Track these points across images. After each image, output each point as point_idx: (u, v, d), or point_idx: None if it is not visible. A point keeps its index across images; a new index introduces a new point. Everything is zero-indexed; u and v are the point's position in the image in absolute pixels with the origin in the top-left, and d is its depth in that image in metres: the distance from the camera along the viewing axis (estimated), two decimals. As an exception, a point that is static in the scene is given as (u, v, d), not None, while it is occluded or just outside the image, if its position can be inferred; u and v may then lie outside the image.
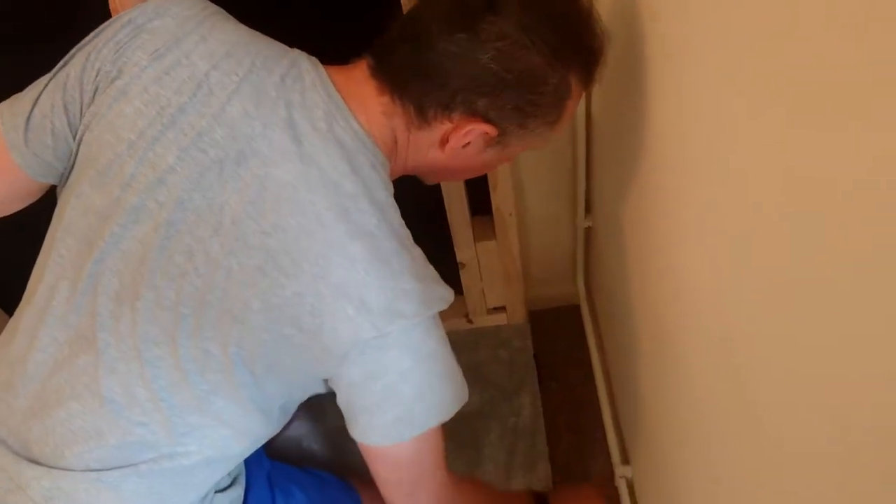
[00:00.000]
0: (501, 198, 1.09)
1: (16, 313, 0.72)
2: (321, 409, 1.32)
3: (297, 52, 0.70)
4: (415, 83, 0.67)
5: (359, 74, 0.69)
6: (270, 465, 0.88)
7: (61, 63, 0.69)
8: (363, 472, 1.25)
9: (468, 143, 0.70)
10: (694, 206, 0.63)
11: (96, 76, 0.67)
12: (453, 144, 0.69)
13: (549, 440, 1.26)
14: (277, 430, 0.75)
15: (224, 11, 0.71)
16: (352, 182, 0.64)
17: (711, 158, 0.57)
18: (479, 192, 1.13)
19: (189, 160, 0.64)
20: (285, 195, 0.63)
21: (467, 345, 1.38)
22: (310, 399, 0.79)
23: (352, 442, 1.21)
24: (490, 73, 0.65)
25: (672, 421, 0.88)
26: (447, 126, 0.68)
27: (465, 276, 1.28)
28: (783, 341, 0.48)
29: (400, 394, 0.66)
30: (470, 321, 1.40)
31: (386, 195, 0.67)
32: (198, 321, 0.64)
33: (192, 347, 0.65)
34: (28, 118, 0.68)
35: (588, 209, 1.23)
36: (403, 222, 0.67)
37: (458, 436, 1.27)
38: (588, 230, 1.27)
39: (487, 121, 0.68)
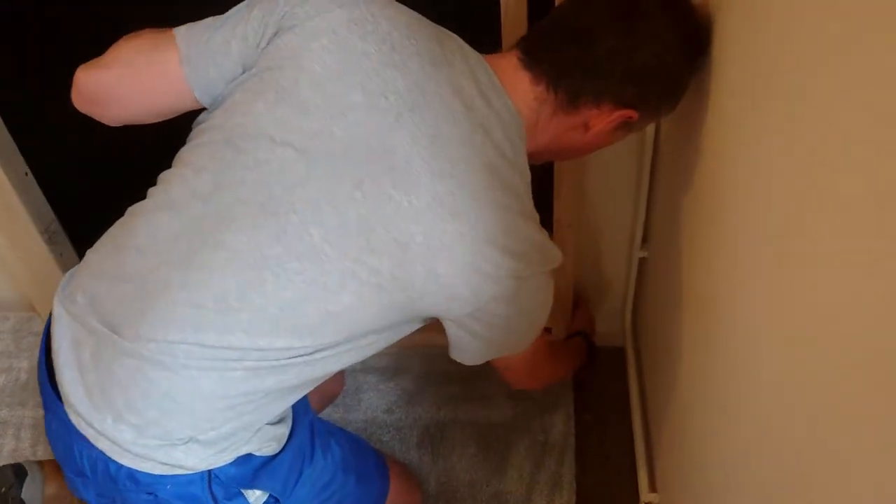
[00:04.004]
0: (563, 207, 1.13)
1: (130, 211, 0.79)
2: (356, 399, 1.36)
3: (457, 36, 0.80)
4: (575, 77, 0.76)
5: (508, 65, 0.78)
6: (313, 415, 0.92)
7: (244, 4, 0.77)
8: (391, 454, 1.27)
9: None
10: (761, 255, 0.63)
11: (281, 17, 0.74)
12: (600, 129, 0.79)
13: (576, 462, 1.25)
14: (344, 366, 0.81)
15: None
16: (506, 148, 0.74)
17: (785, 202, 0.56)
18: (540, 207, 1.17)
19: (372, 102, 0.72)
20: (454, 149, 0.71)
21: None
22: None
23: (379, 431, 1.27)
24: (643, 69, 0.74)
25: (716, 461, 0.87)
26: (593, 112, 0.77)
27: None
28: (839, 408, 0.47)
29: (511, 326, 0.80)
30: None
31: (525, 164, 0.77)
32: (359, 244, 0.70)
33: (340, 267, 0.71)
34: (207, 39, 0.76)
35: (645, 239, 1.26)
36: None
37: (486, 441, 1.29)
38: (643, 261, 1.30)
39: (631, 107, 0.76)
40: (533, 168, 0.81)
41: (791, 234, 0.56)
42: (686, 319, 0.96)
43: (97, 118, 0.81)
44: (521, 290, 0.75)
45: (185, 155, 0.77)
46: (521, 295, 0.75)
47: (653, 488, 1.15)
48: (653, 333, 1.26)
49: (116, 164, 1.28)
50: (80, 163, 1.29)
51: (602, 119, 0.77)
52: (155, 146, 1.08)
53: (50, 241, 1.32)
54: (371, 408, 1.34)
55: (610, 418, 1.33)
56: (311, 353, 0.74)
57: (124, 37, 0.80)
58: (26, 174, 1.24)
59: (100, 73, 0.78)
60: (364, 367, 1.38)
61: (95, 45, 0.89)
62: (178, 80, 0.77)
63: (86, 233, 1.37)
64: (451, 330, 0.81)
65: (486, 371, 1.34)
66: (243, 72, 0.76)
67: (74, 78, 0.78)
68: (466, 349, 0.83)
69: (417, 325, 0.81)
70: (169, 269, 0.73)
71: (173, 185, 0.75)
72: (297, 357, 0.74)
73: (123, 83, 0.78)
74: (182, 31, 0.77)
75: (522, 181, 0.76)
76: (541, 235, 0.76)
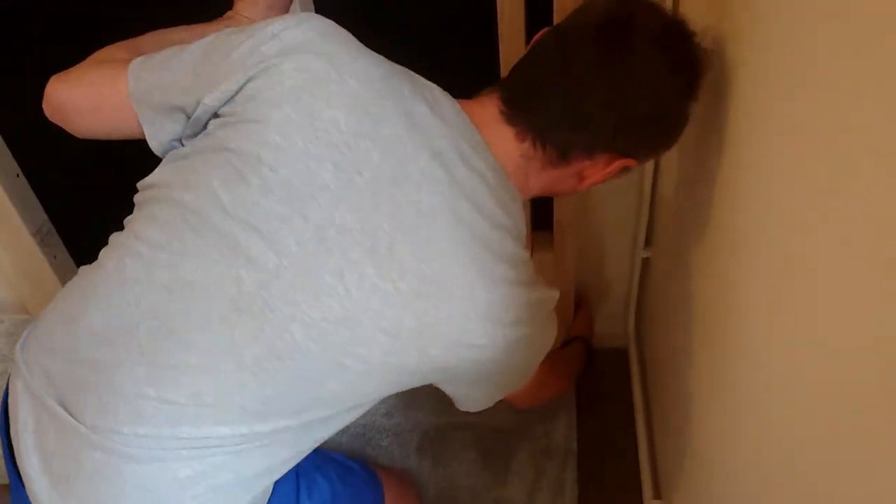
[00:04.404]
0: (564, 208, 1.11)
1: (82, 273, 0.72)
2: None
3: (434, 85, 0.72)
4: (562, 133, 0.70)
5: (490, 117, 0.71)
6: None
7: (200, 47, 0.70)
8: (387, 465, 1.26)
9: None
10: (767, 255, 0.62)
11: (239, 82, 0.67)
12: (595, 180, 0.74)
13: (578, 467, 1.23)
14: (335, 432, 0.77)
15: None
16: (497, 215, 0.68)
17: (790, 201, 0.55)
18: (541, 208, 1.15)
19: (345, 179, 0.64)
20: (439, 222, 0.65)
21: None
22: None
23: (379, 436, 1.22)
24: (638, 120, 0.69)
25: (720, 466, 0.85)
26: (586, 163, 0.72)
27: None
28: (851, 408, 0.46)
29: (515, 370, 0.77)
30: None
31: (521, 222, 0.72)
32: (345, 337, 0.65)
33: (326, 361, 0.66)
34: (156, 80, 0.70)
35: (648, 240, 1.24)
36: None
37: (487, 446, 1.27)
38: (646, 261, 1.27)
39: (626, 156, 0.72)
40: None
41: (797, 233, 0.54)
42: (690, 320, 0.94)
43: (65, 129, 0.77)
44: (520, 345, 0.71)
45: (139, 226, 0.69)
46: (520, 349, 0.72)
47: (657, 495, 1.13)
48: (656, 335, 1.24)
49: (109, 165, 1.26)
50: (72, 164, 1.27)
51: (597, 170, 0.73)
52: (149, 147, 1.06)
53: (42, 242, 1.30)
54: (370, 411, 1.30)
55: (613, 422, 1.31)
56: (298, 427, 0.70)
57: (98, 52, 0.77)
58: (18, 175, 1.22)
59: (64, 88, 0.74)
60: (362, 371, 1.36)
61: (91, 46, 0.87)
62: (132, 114, 0.72)
63: (79, 234, 1.35)
64: (450, 389, 0.78)
65: (486, 374, 1.33)
66: (188, 120, 0.70)
67: (46, 86, 0.74)
68: (469, 402, 0.81)
69: None
70: (133, 363, 0.65)
71: (127, 261, 0.67)
72: (283, 433, 0.69)
73: (84, 104, 0.74)
74: (134, 67, 0.71)
75: (516, 243, 0.70)
76: (535, 292, 0.71)
